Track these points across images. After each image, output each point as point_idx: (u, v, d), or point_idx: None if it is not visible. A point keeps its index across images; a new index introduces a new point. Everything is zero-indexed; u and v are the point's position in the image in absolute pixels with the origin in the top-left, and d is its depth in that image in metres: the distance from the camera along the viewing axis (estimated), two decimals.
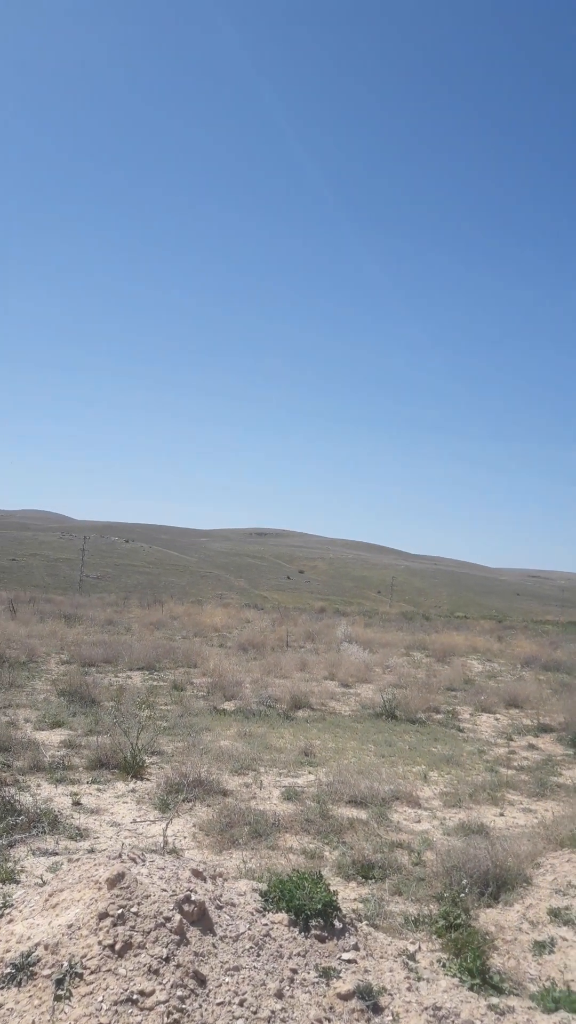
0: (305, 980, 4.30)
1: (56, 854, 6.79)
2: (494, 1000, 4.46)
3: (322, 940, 4.66)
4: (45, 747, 10.58)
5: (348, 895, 6.57)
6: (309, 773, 10.49)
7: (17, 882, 5.89)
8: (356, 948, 4.70)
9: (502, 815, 9.33)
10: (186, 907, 4.32)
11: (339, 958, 4.57)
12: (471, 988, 4.73)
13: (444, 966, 5.11)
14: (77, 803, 8.44)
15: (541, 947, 5.73)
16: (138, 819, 8.14)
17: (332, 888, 5.18)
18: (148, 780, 9.52)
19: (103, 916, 4.15)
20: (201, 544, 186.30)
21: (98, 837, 7.50)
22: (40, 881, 5.57)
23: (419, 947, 5.32)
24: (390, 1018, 4.18)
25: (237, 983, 4.09)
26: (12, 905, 4.74)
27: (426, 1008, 4.19)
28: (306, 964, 4.43)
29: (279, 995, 4.11)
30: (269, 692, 16.23)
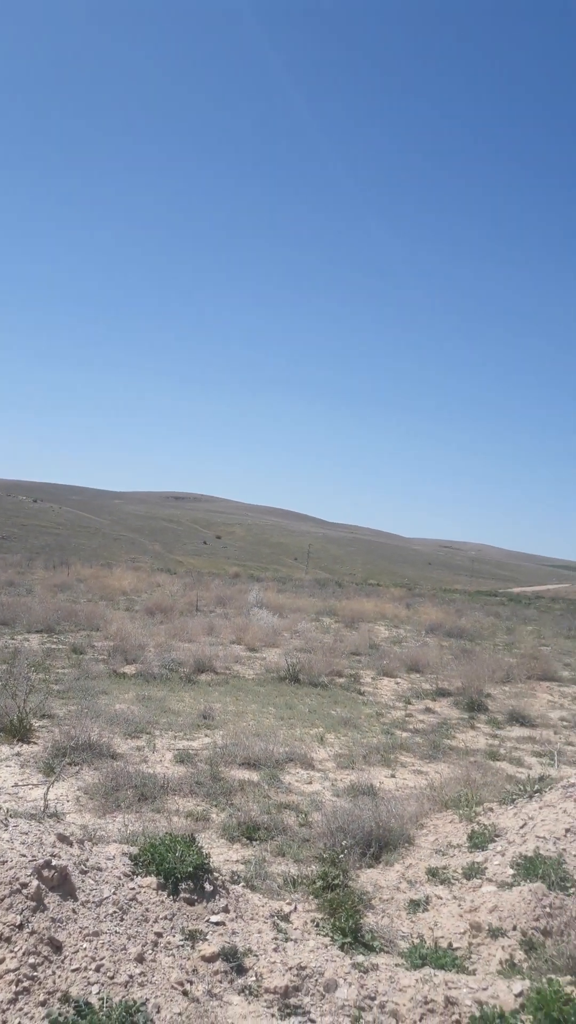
0: (170, 943, 4.20)
1: None
2: (360, 958, 4.45)
3: (191, 903, 4.57)
4: None
5: (231, 857, 6.52)
6: (206, 736, 10.41)
7: None
8: (226, 910, 4.63)
9: (393, 777, 9.45)
10: (46, 872, 4.14)
11: (207, 921, 4.48)
12: (341, 947, 4.72)
13: (318, 926, 5.10)
14: None
15: (416, 905, 5.80)
16: (20, 783, 7.88)
17: (207, 850, 5.09)
18: (35, 744, 9.24)
19: None
20: (115, 506, 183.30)
21: None
22: None
23: (295, 908, 5.30)
24: (253, 978, 4.12)
25: (96, 948, 3.95)
26: None
27: (290, 968, 4.15)
28: (172, 927, 4.32)
29: (140, 959, 3.99)
30: (173, 656, 16.03)
